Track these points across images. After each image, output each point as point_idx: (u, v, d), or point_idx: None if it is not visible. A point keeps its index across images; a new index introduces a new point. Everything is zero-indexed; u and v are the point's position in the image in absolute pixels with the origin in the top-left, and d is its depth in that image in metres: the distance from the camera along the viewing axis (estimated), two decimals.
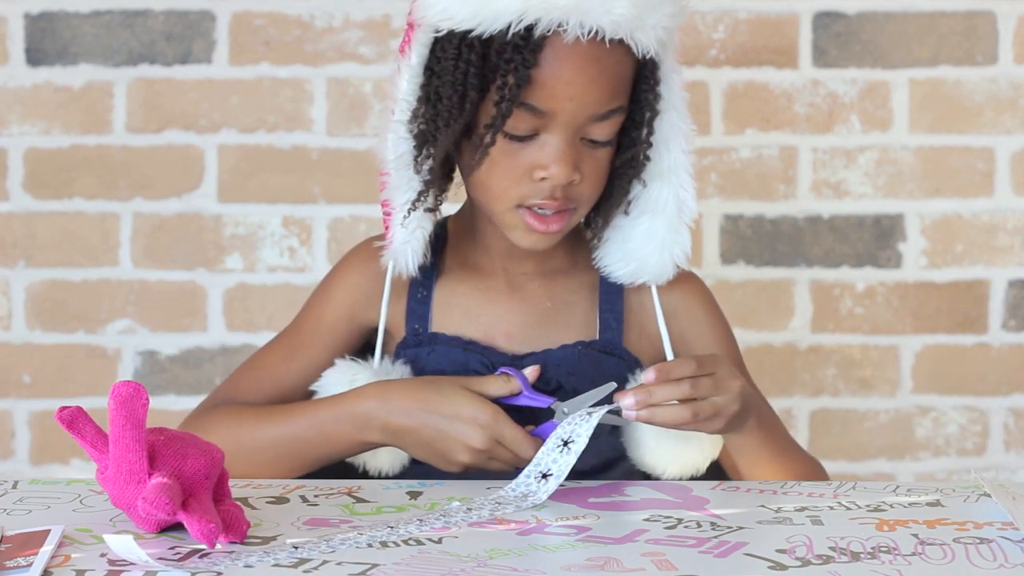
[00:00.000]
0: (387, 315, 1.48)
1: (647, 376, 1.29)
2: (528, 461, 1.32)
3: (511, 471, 1.36)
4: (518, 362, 1.45)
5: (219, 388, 1.54)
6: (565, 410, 1.34)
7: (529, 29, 1.33)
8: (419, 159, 1.41)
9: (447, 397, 1.37)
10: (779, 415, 1.49)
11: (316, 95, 2.31)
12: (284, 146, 2.32)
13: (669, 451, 1.41)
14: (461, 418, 1.35)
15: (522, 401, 1.37)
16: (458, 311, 1.49)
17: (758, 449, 1.41)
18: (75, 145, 2.32)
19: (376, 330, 1.49)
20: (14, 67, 2.31)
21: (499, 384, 1.38)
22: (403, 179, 1.42)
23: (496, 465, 1.36)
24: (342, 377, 1.44)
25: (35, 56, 2.31)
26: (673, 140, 1.44)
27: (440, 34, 1.37)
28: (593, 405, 1.33)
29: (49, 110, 2.31)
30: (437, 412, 1.36)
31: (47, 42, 2.31)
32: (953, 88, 2.31)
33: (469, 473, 1.37)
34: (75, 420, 1.18)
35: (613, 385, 1.33)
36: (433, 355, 1.46)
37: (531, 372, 1.40)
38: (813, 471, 1.48)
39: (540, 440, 1.33)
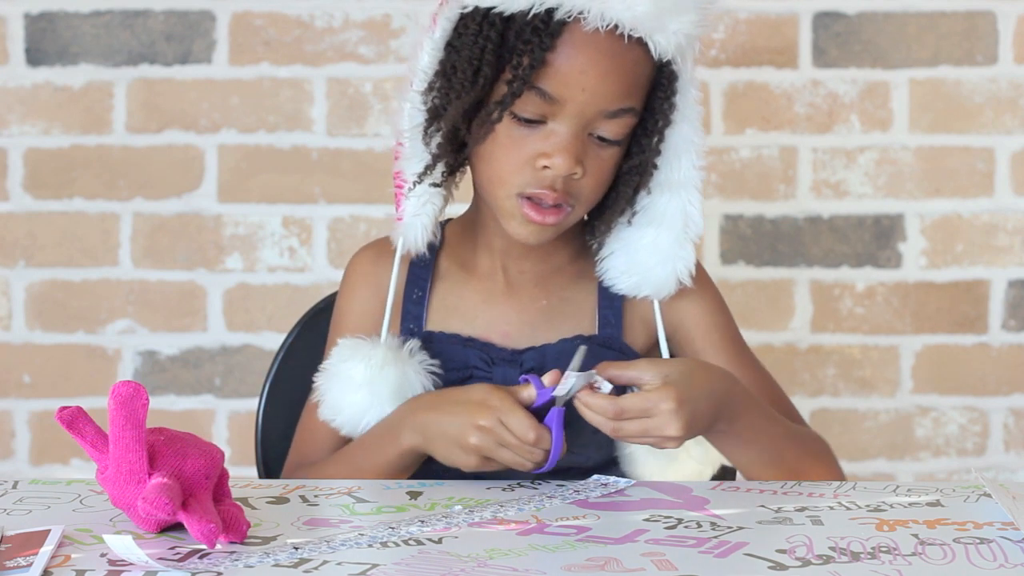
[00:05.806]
0: (386, 313, 1.48)
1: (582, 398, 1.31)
2: (533, 448, 1.32)
3: (524, 459, 1.33)
4: (517, 357, 1.45)
5: (288, 462, 1.54)
6: (563, 391, 1.33)
7: (550, 13, 1.35)
8: (428, 131, 1.43)
9: (466, 387, 1.39)
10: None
11: (316, 95, 2.31)
12: (284, 146, 2.32)
13: (661, 469, 1.41)
14: (472, 401, 1.35)
15: (537, 402, 1.36)
16: (454, 312, 1.49)
17: (740, 446, 1.40)
18: (75, 145, 2.32)
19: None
20: (14, 67, 2.31)
21: (521, 391, 1.37)
22: (416, 150, 1.44)
23: (506, 455, 1.34)
24: (355, 353, 1.44)
25: (35, 56, 2.31)
26: (684, 153, 1.44)
27: (466, 10, 1.39)
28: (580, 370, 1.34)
29: (49, 110, 2.31)
30: (454, 400, 1.37)
31: (47, 42, 2.31)
32: (953, 88, 2.31)
33: (472, 474, 1.37)
34: (75, 420, 1.18)
35: (583, 348, 1.35)
36: (432, 350, 1.45)
37: (549, 377, 1.37)
38: (815, 453, 1.46)
39: (546, 428, 1.32)
